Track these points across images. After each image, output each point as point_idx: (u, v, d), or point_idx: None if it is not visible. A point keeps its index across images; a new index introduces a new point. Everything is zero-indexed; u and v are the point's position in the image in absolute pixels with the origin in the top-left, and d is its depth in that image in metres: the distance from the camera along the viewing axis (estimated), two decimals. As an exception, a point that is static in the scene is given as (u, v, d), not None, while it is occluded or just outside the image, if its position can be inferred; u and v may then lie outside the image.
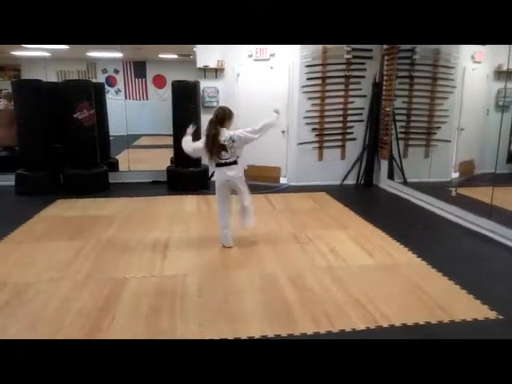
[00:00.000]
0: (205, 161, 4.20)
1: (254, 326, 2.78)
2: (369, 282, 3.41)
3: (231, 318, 2.88)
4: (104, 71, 14.29)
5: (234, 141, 3.83)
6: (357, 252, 4.07)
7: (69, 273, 3.54)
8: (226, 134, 3.83)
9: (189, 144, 4.06)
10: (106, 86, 14.01)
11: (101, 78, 13.86)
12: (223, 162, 3.89)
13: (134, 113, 13.34)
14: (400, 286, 3.36)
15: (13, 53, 11.39)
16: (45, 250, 4.06)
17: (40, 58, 12.00)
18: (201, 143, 3.95)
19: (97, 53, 11.72)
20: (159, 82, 14.47)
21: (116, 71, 14.22)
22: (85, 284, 3.34)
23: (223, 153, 3.84)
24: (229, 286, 3.33)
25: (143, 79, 14.63)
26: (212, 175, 4.45)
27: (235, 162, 3.91)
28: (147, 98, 14.77)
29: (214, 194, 4.21)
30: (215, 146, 3.79)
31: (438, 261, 3.79)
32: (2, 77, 12.18)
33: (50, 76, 9.00)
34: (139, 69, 14.51)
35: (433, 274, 3.57)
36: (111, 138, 8.93)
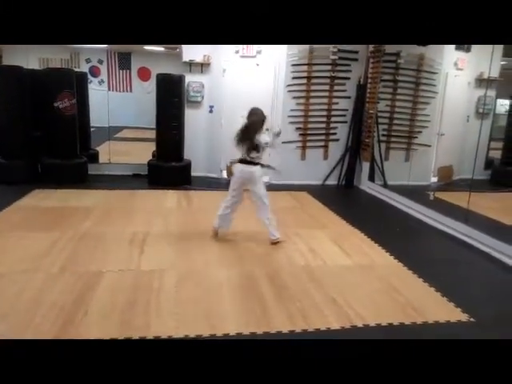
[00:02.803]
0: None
1: (230, 323, 2.77)
2: (345, 282, 3.45)
3: (207, 314, 2.87)
4: (88, 61, 14.02)
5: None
6: (335, 252, 4.10)
7: (43, 264, 3.47)
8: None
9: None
10: (90, 77, 13.79)
11: (84, 68, 13.63)
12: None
13: (117, 104, 13.12)
14: (376, 286, 3.40)
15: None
16: (20, 240, 3.97)
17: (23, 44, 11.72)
18: None
19: (81, 42, 11.50)
20: (144, 74, 14.26)
21: (100, 61, 13.98)
22: (59, 276, 3.28)
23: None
24: (206, 283, 3.32)
25: (128, 71, 14.39)
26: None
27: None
28: (131, 90, 14.52)
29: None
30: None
31: (414, 263, 3.85)
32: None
33: (33, 63, 8.79)
34: (124, 60, 14.25)
35: (409, 276, 3.62)
36: (93, 129, 8.77)
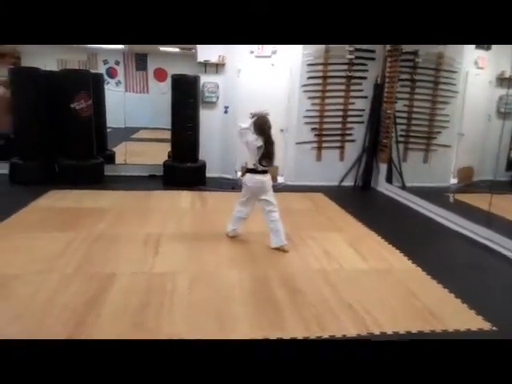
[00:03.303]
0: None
1: (243, 327, 2.72)
2: (362, 287, 3.36)
3: (220, 318, 2.82)
4: (105, 62, 14.17)
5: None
6: (351, 255, 4.01)
7: (58, 265, 3.47)
8: None
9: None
10: (107, 78, 13.96)
11: (102, 69, 13.78)
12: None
13: (134, 105, 13.22)
14: (394, 292, 3.30)
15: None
16: (34, 241, 3.99)
17: (40, 46, 11.90)
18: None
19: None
20: (160, 75, 14.34)
21: (117, 62, 14.11)
22: (73, 277, 3.28)
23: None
24: (219, 286, 3.27)
25: (144, 72, 14.52)
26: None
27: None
28: (148, 91, 14.65)
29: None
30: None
31: (433, 267, 3.74)
32: (2, 63, 12.08)
33: (51, 65, 8.89)
34: (140, 61, 14.36)
35: (427, 281, 3.52)
36: (110, 129, 8.84)
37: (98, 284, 3.19)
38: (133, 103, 13.66)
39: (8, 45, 11.93)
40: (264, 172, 3.99)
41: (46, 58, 11.44)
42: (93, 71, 10.05)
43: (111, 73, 14.53)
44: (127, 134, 10.78)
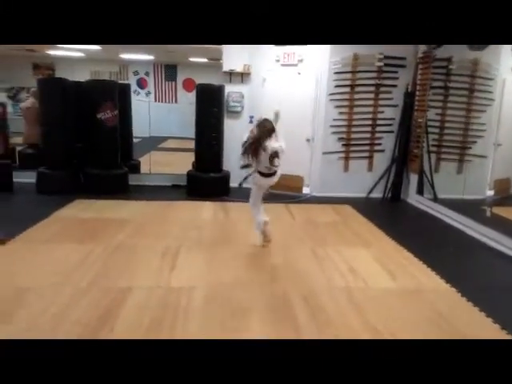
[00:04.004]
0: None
1: (259, 351, 2.54)
2: (389, 308, 3.13)
3: (235, 336, 2.66)
4: (135, 73, 14.46)
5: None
6: (378, 273, 3.78)
7: (73, 278, 3.41)
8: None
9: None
10: (137, 88, 14.23)
11: (132, 80, 14.06)
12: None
13: (163, 115, 13.42)
14: (424, 314, 3.05)
15: (48, 52, 11.63)
16: (53, 252, 3.96)
17: (74, 58, 12.25)
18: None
19: (129, 55, 11.84)
20: (189, 85, 14.50)
21: (147, 73, 14.36)
22: (88, 291, 3.20)
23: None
24: (236, 303, 3.12)
25: (173, 82, 14.72)
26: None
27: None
28: (176, 101, 14.85)
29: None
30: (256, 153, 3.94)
31: (468, 288, 3.46)
32: (37, 75, 12.49)
33: (84, 76, 9.05)
34: (170, 72, 14.60)
35: (462, 304, 3.24)
36: (138, 139, 8.92)
37: (112, 298, 3.09)
38: (162, 113, 13.91)
39: (44, 57, 12.34)
40: (273, 174, 4.09)
41: (80, 70, 11.80)
42: (121, 81, 10.24)
43: (141, 83, 14.86)
44: (154, 143, 10.90)
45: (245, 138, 4.06)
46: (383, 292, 3.38)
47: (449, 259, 4.25)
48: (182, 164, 7.49)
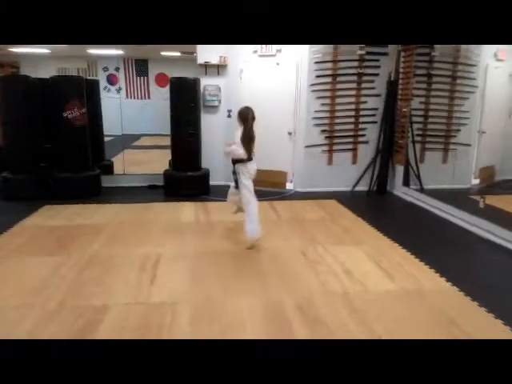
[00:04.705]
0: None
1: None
2: (391, 314, 2.89)
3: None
4: (105, 69, 13.83)
5: None
6: (375, 273, 3.54)
7: (41, 297, 3.04)
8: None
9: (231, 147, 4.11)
10: (107, 85, 13.64)
11: (102, 76, 13.46)
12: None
13: (135, 112, 12.91)
14: (429, 319, 2.83)
15: (11, 49, 10.96)
16: (18, 267, 3.56)
17: (39, 55, 11.61)
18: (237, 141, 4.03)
19: (97, 50, 11.28)
20: (161, 80, 13.96)
21: (117, 69, 13.78)
22: (57, 313, 2.84)
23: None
24: (226, 317, 2.82)
25: (145, 77, 14.16)
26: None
27: None
28: (149, 97, 14.30)
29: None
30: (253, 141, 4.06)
31: (471, 287, 3.26)
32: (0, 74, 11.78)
33: (51, 73, 8.51)
34: (141, 67, 14.04)
35: (467, 305, 3.03)
36: (111, 137, 8.46)
37: (85, 320, 2.75)
38: (134, 110, 13.36)
39: (7, 54, 11.68)
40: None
41: (46, 67, 11.17)
42: (90, 78, 9.70)
43: (112, 79, 14.22)
44: (128, 141, 10.42)
45: (233, 151, 4.03)
46: (383, 295, 3.14)
47: (445, 255, 4.04)
48: (158, 162, 7.12)
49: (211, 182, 6.41)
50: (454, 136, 6.62)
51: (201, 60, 6.37)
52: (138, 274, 3.45)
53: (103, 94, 9.43)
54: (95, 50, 11.38)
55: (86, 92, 6.09)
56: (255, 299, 3.07)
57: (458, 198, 5.95)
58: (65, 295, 3.08)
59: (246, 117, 4.01)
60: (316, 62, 6.22)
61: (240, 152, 3.94)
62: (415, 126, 6.38)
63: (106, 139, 7.98)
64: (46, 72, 7.18)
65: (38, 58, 12.00)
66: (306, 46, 6.15)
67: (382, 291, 3.22)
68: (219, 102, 6.57)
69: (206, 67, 6.43)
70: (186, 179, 6.15)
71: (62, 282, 3.30)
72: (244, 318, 2.80)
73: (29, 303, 2.95)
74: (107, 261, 3.71)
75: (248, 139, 3.98)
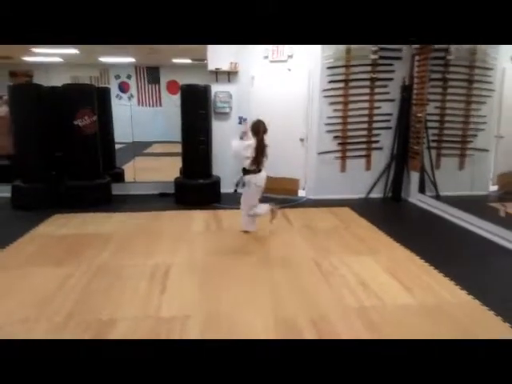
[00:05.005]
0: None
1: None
2: (411, 330, 2.74)
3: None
4: (117, 77, 13.94)
5: None
6: (392, 286, 3.40)
7: (48, 310, 2.96)
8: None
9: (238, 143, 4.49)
10: (119, 92, 13.73)
11: (114, 84, 13.56)
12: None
13: (147, 119, 12.99)
14: (452, 337, 2.68)
15: (24, 58, 11.07)
16: (26, 278, 3.51)
17: (52, 63, 11.72)
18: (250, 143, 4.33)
19: (109, 58, 11.35)
20: (173, 87, 14.02)
21: (129, 76, 13.86)
22: (64, 327, 2.76)
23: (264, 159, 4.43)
24: (237, 333, 2.71)
25: (157, 85, 14.23)
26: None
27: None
28: (161, 105, 14.36)
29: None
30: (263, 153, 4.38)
31: (494, 300, 3.10)
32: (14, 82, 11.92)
33: (64, 82, 8.56)
34: (153, 74, 14.11)
35: (491, 320, 2.87)
36: (123, 145, 8.46)
37: (92, 335, 2.66)
38: (146, 117, 13.45)
39: (21, 64, 11.79)
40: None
41: (59, 76, 11.28)
42: (102, 86, 9.72)
43: (123, 87, 14.35)
44: (140, 148, 10.42)
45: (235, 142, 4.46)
46: (402, 310, 3.00)
47: (465, 266, 3.88)
48: (169, 170, 7.06)
49: (222, 190, 6.32)
50: (471, 141, 6.44)
51: (211, 67, 6.31)
52: (147, 286, 3.36)
53: (115, 102, 9.44)
54: (107, 58, 11.47)
55: (97, 100, 6.07)
56: (267, 313, 2.95)
57: (475, 205, 5.76)
58: (72, 308, 3.00)
59: (258, 130, 4.29)
60: (328, 68, 6.11)
61: (243, 153, 4.34)
62: (430, 131, 6.23)
63: (118, 146, 7.96)
64: (59, 80, 7.22)
65: (51, 67, 12.18)
66: (318, 52, 6.05)
67: (399, 305, 3.08)
68: (230, 108, 6.50)
69: (217, 74, 6.37)
70: (197, 187, 6.08)
71: (70, 293, 3.22)
72: (255, 333, 2.69)
73: (35, 317, 2.88)
74: (116, 271, 3.64)
75: (259, 151, 4.28)
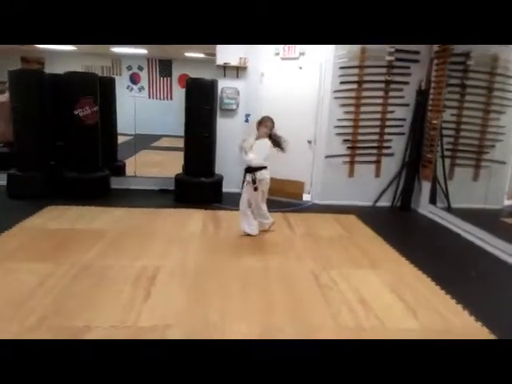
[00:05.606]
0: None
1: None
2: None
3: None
4: (129, 68, 13.79)
5: None
6: (394, 306, 3.13)
7: (20, 312, 2.75)
8: None
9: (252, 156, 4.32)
10: (130, 84, 13.58)
11: (125, 75, 13.41)
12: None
13: (157, 112, 12.79)
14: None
15: (37, 45, 10.96)
16: (7, 275, 3.31)
17: (65, 51, 11.59)
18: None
19: (120, 48, 11.18)
20: (184, 81, 13.84)
21: (140, 68, 13.69)
22: (34, 330, 2.55)
23: None
24: (221, 350, 2.47)
25: (169, 78, 14.03)
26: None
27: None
28: (171, 98, 14.16)
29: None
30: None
31: (505, 328, 2.83)
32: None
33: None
34: (165, 67, 13.93)
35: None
36: (130, 137, 8.26)
37: (63, 343, 2.45)
38: (156, 110, 13.26)
39: (33, 50, 11.70)
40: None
41: (71, 64, 11.14)
42: (105, 76, 9.50)
43: (134, 78, 14.18)
44: (147, 141, 10.24)
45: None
46: (403, 334, 2.74)
47: (474, 286, 3.61)
48: (172, 165, 6.85)
49: (224, 190, 6.09)
50: (487, 152, 6.12)
51: (220, 61, 6.08)
52: (131, 290, 3.14)
53: (127, 94, 9.24)
54: (118, 48, 11.30)
55: (101, 90, 5.88)
56: (255, 326, 2.72)
57: (488, 220, 5.47)
58: (46, 310, 2.79)
59: (262, 121, 4.33)
60: (341, 68, 5.84)
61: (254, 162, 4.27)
62: (445, 139, 5.92)
63: (125, 139, 7.77)
64: (71, 69, 7.06)
65: (64, 55, 12.04)
66: (331, 50, 5.79)
67: (402, 330, 2.81)
68: (237, 105, 6.26)
69: (225, 69, 6.14)
70: (198, 185, 5.85)
71: (47, 293, 3.02)
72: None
73: (7, 318, 2.68)
74: (101, 272, 3.42)
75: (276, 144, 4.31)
